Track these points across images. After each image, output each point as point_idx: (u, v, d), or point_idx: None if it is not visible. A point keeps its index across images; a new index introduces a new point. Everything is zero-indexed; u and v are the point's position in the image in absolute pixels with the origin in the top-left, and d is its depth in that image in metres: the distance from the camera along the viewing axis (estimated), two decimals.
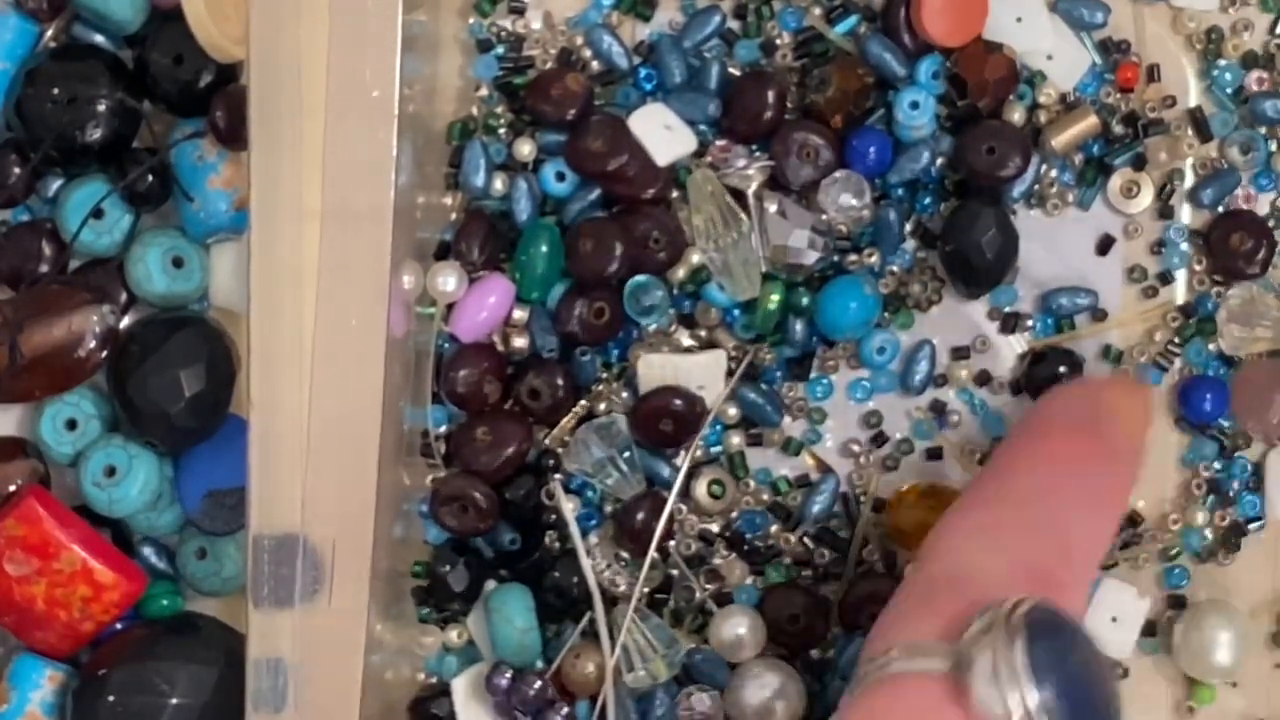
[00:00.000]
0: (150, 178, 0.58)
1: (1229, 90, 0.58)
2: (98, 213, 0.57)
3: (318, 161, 0.51)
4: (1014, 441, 0.52)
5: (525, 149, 0.57)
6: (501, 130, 0.58)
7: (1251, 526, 0.58)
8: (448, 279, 0.56)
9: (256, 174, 0.51)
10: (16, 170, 0.58)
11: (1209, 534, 0.58)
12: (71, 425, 0.58)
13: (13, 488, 0.57)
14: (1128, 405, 0.52)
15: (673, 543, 0.57)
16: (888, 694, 0.44)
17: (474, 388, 0.57)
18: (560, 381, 0.57)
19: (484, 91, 0.58)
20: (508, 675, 0.56)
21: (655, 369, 0.57)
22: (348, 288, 0.51)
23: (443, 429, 0.57)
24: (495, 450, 0.56)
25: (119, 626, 0.58)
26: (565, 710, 0.56)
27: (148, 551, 0.59)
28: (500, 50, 0.58)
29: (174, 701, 0.55)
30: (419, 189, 0.55)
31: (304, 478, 0.50)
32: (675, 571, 0.57)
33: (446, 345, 0.57)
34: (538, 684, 0.56)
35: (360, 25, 0.50)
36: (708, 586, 0.57)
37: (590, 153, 0.56)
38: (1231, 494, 0.58)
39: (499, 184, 0.57)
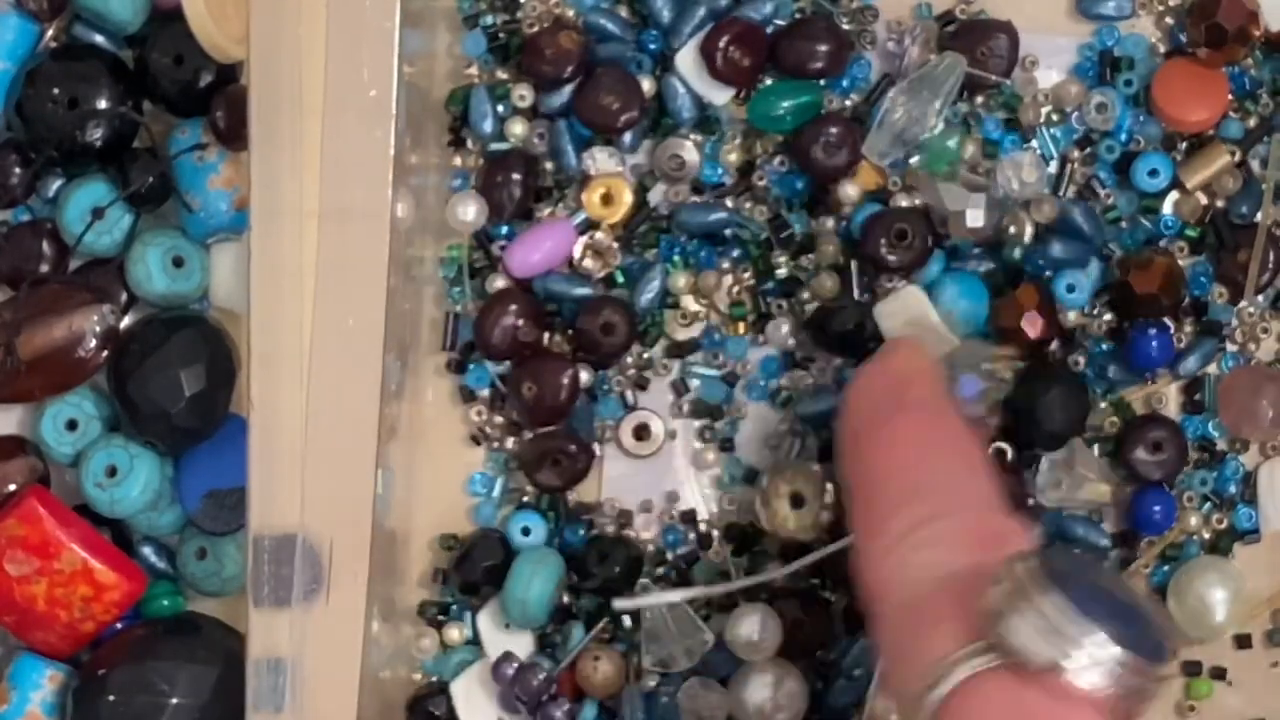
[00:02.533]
0: (150, 179, 0.58)
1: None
2: (98, 213, 0.57)
3: (318, 161, 0.51)
4: (856, 456, 0.50)
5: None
6: (511, 89, 0.57)
7: (1246, 539, 0.58)
8: (467, 208, 0.56)
9: (256, 174, 0.51)
10: (17, 170, 0.58)
11: (1206, 534, 0.58)
12: (72, 425, 0.58)
13: (13, 487, 0.57)
14: (910, 363, 0.51)
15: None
16: (961, 706, 0.41)
17: (509, 333, 0.56)
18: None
19: (474, 70, 0.58)
20: (515, 665, 0.56)
21: None
22: (346, 287, 0.51)
23: (485, 390, 0.58)
24: (550, 395, 0.56)
25: (119, 626, 0.58)
26: (566, 707, 0.56)
27: (148, 551, 0.59)
28: (490, 20, 0.58)
29: (174, 701, 0.55)
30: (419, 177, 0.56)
31: (303, 477, 0.50)
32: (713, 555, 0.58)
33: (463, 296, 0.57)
34: (542, 677, 0.56)
35: (357, 25, 0.50)
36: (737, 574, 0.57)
37: (601, 107, 0.56)
38: (1227, 497, 0.58)
39: (519, 129, 0.57)
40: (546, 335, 0.57)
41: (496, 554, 0.57)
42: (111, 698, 0.55)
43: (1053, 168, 0.57)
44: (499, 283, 0.57)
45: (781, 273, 0.57)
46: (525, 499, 0.58)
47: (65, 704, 0.56)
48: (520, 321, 0.57)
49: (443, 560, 0.58)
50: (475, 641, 0.58)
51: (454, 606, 0.58)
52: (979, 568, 0.43)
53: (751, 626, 0.56)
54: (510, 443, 0.58)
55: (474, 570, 0.57)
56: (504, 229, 0.58)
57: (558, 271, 0.57)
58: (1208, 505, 0.57)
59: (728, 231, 0.57)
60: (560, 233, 0.57)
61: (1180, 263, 0.56)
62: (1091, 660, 0.40)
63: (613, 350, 0.57)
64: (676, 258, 0.57)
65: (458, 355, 0.58)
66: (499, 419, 0.58)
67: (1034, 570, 0.41)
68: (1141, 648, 0.41)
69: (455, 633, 0.58)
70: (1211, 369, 0.57)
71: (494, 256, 0.58)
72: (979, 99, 0.57)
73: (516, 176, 0.57)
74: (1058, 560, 0.42)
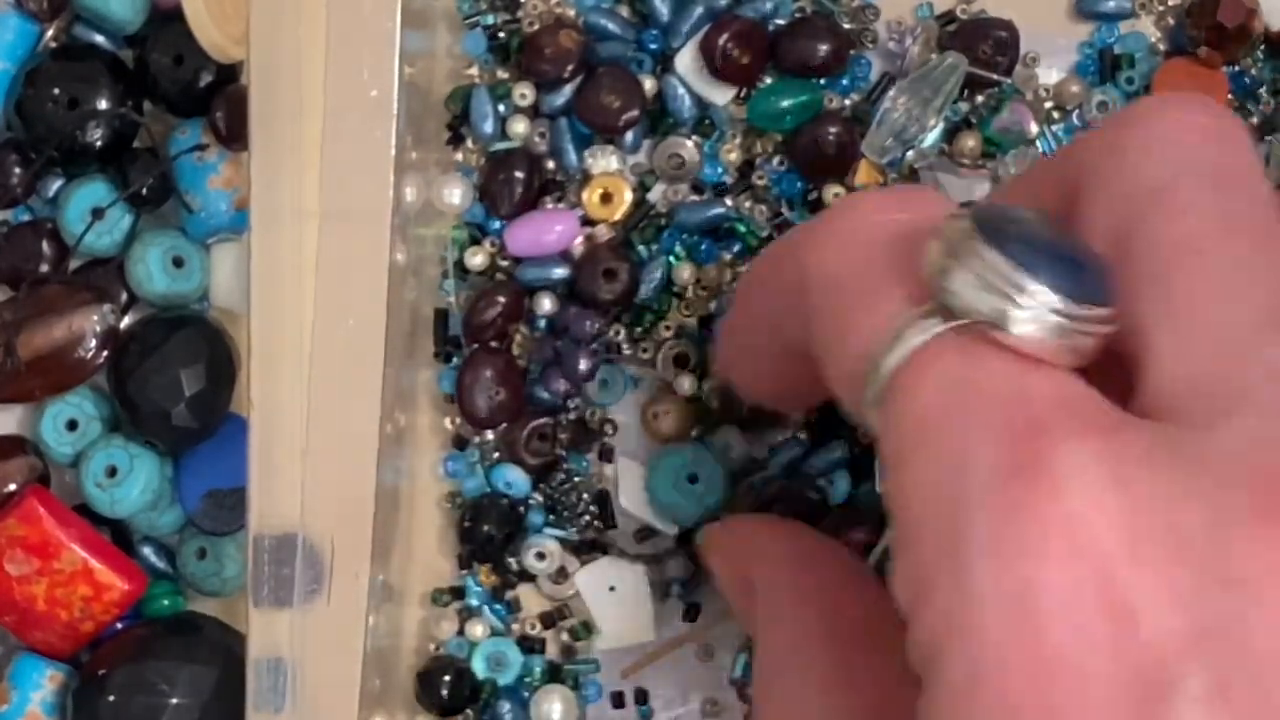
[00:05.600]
0: (150, 179, 0.58)
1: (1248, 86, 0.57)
2: (98, 213, 0.57)
3: (318, 161, 0.51)
4: None
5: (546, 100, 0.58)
6: (512, 88, 0.57)
7: None
8: (453, 191, 0.56)
9: (256, 174, 0.51)
10: (17, 170, 0.58)
11: None
12: (72, 426, 0.58)
13: (13, 487, 0.57)
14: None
15: None
16: (911, 382, 0.39)
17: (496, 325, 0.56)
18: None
19: (474, 70, 0.58)
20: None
21: None
22: (346, 287, 0.51)
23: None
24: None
25: (119, 626, 0.58)
26: None
27: (148, 551, 0.59)
28: (490, 19, 0.58)
29: (174, 701, 0.55)
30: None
31: (303, 477, 0.51)
32: None
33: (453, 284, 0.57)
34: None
35: (357, 25, 0.50)
36: None
37: (602, 107, 0.56)
38: None
39: (520, 127, 0.57)
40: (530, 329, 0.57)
41: (495, 516, 0.56)
42: (111, 698, 0.55)
43: None
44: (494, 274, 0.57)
45: None
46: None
47: (65, 704, 0.56)
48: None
49: (447, 550, 0.58)
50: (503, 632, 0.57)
51: (468, 588, 0.57)
52: (915, 228, 0.41)
53: None
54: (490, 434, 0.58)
55: (484, 534, 0.57)
56: (496, 224, 0.57)
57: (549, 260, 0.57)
58: None
59: (727, 225, 0.57)
60: (566, 220, 0.57)
61: None
62: (1032, 313, 0.38)
63: (614, 298, 0.56)
64: (680, 249, 0.57)
65: (447, 349, 0.58)
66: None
67: (968, 225, 0.39)
68: (1082, 292, 0.39)
69: (479, 629, 0.57)
70: None
71: (494, 257, 0.58)
72: (979, 98, 0.57)
73: (519, 174, 0.57)
74: (992, 214, 0.40)
